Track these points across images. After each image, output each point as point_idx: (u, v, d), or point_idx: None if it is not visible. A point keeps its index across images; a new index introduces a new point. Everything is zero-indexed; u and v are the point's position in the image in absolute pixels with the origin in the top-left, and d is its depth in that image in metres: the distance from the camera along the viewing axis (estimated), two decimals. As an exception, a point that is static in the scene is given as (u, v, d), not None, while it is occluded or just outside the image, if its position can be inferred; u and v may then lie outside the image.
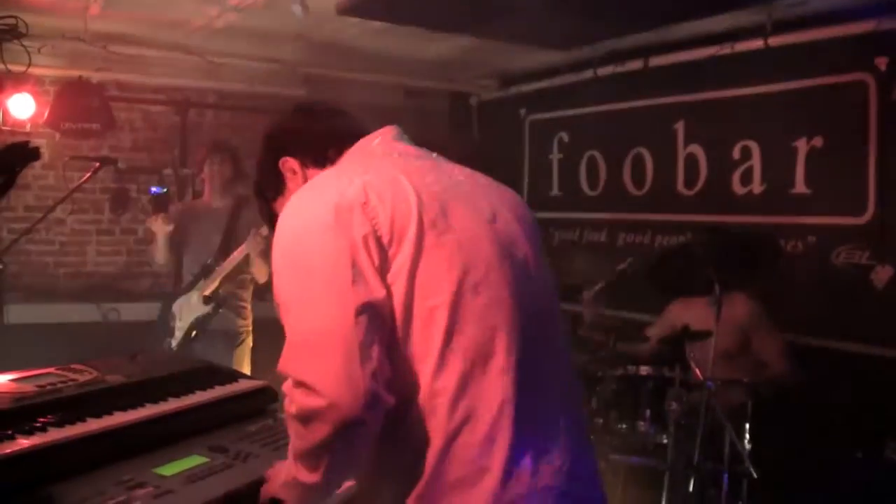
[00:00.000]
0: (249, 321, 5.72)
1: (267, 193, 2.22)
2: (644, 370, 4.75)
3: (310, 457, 1.75)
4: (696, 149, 6.10)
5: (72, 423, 2.18)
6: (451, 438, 1.75)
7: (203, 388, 2.69)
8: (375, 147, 2.04)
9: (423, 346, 1.75)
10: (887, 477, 4.37)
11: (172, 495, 2.02)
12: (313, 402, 1.64)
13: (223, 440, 2.43)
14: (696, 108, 6.07)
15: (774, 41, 5.38)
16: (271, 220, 2.19)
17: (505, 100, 7.93)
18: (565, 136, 7.20)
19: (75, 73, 6.58)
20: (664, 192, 6.34)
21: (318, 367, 1.64)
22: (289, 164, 2.13)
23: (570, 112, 7.10)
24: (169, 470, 2.16)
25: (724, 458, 4.39)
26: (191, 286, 5.55)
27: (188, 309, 5.51)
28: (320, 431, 1.67)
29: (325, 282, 1.69)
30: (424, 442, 1.76)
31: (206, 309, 5.43)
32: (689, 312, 5.07)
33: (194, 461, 2.24)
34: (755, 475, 4.26)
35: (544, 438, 1.83)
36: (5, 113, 5.92)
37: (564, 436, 1.88)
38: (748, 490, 4.39)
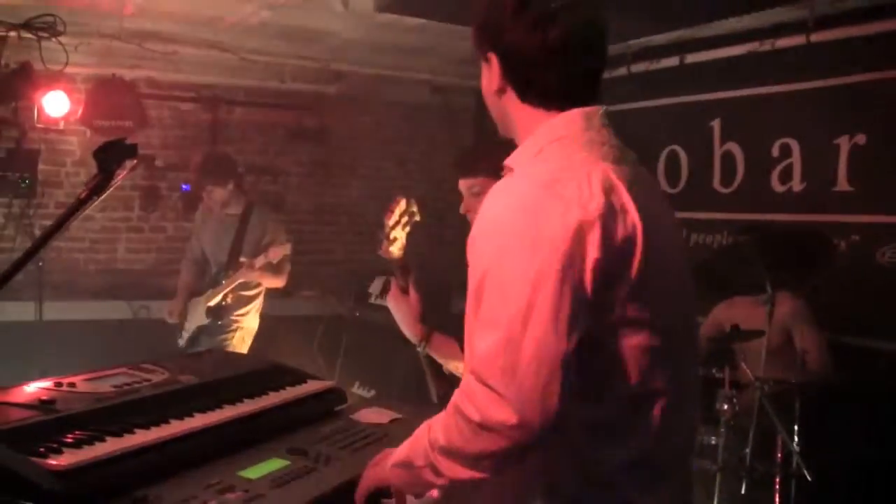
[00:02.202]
0: (247, 314, 5.82)
1: None
2: (693, 371, 4.68)
3: (466, 459, 1.67)
4: (733, 146, 6.01)
5: (156, 424, 2.16)
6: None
7: (275, 389, 2.67)
8: (591, 136, 1.81)
9: (609, 384, 1.71)
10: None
11: (263, 499, 1.99)
12: (504, 416, 1.56)
13: (300, 442, 2.40)
14: (734, 106, 5.98)
15: (816, 37, 5.30)
16: None
17: (534, 97, 7.81)
18: (596, 134, 7.10)
19: (108, 70, 6.57)
20: (699, 190, 6.25)
21: (523, 385, 1.55)
22: (494, 61, 1.87)
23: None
24: (253, 473, 2.13)
25: (775, 460, 4.35)
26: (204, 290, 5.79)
27: (195, 314, 5.77)
28: (494, 444, 1.60)
29: (551, 302, 1.57)
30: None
31: (207, 321, 5.69)
32: (733, 312, 5.01)
33: (276, 464, 2.21)
34: (809, 478, 4.20)
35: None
36: (40, 110, 5.89)
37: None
38: (797, 492, 4.33)
